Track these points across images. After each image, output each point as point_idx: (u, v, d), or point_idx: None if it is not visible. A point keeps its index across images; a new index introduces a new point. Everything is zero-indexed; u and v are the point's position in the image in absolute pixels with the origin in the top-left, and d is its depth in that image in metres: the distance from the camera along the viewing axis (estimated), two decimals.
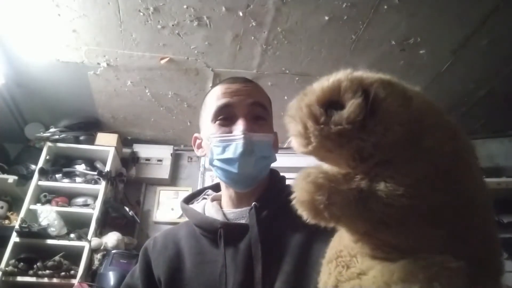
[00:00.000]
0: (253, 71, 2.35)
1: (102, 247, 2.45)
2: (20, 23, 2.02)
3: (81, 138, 2.78)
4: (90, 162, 2.78)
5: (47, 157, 2.69)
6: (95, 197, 2.64)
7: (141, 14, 1.93)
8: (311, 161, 0.36)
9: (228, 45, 2.15)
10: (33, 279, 2.29)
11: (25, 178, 2.66)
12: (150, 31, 2.04)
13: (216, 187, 0.90)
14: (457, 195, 0.33)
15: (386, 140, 0.31)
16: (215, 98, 0.78)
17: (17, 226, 2.38)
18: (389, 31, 2.01)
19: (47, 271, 2.29)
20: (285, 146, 0.41)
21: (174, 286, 0.74)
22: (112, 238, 2.47)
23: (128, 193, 2.93)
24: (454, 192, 0.32)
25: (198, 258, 0.75)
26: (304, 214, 0.34)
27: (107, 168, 2.70)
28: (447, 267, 0.31)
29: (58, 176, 2.65)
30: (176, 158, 3.18)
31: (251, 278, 0.67)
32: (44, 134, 2.72)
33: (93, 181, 2.67)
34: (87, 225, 2.52)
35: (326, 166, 0.36)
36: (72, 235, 2.45)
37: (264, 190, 0.79)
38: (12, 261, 2.30)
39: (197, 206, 0.84)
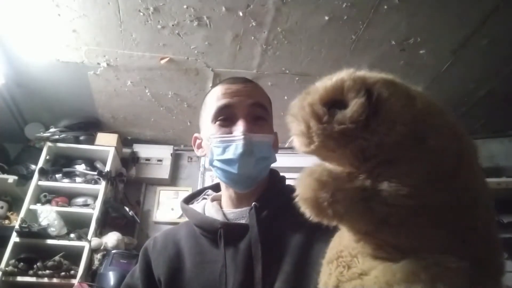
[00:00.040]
0: (253, 71, 2.35)
1: (102, 247, 2.45)
2: (20, 23, 2.02)
3: (81, 138, 2.78)
4: (90, 162, 2.78)
5: (47, 157, 2.69)
6: (95, 197, 2.64)
7: (141, 14, 1.93)
8: (311, 161, 0.36)
9: (228, 45, 2.15)
10: (33, 279, 2.29)
11: (25, 178, 2.66)
12: (150, 31, 2.04)
13: (216, 187, 0.90)
14: (460, 195, 0.33)
15: (390, 139, 0.31)
16: (215, 98, 0.78)
17: (17, 226, 2.38)
18: (389, 31, 2.01)
19: (47, 271, 2.29)
20: (286, 146, 0.41)
21: (174, 286, 0.74)
22: (112, 238, 2.47)
23: (128, 193, 2.93)
24: (457, 193, 0.32)
25: (198, 258, 0.75)
26: (307, 211, 0.33)
27: (107, 168, 2.70)
28: (450, 267, 0.31)
29: (58, 176, 2.65)
30: (176, 158, 3.18)
31: (251, 278, 0.67)
32: (44, 134, 2.72)
33: (93, 181, 2.67)
34: (87, 225, 2.52)
35: (329, 165, 0.36)
36: (72, 235, 2.45)
37: (264, 190, 0.79)
38: (12, 261, 2.30)
39: (197, 206, 0.84)
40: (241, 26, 2.00)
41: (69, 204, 2.61)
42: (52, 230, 2.39)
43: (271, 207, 0.74)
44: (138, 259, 0.84)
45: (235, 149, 0.73)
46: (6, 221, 2.58)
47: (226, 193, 0.81)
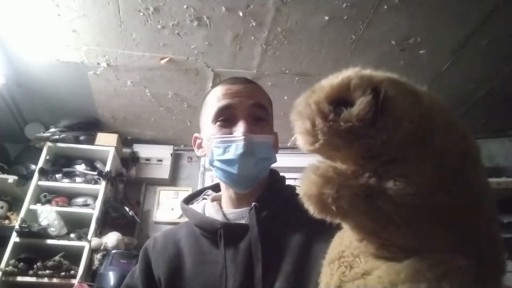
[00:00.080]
0: (253, 71, 2.35)
1: (102, 247, 2.44)
2: (20, 23, 2.02)
3: (81, 138, 2.78)
4: (90, 162, 2.77)
5: (47, 157, 2.69)
6: (95, 197, 2.64)
7: (141, 14, 1.93)
8: (312, 161, 0.36)
9: (228, 45, 2.15)
10: (33, 279, 2.29)
11: (25, 178, 2.66)
12: (150, 31, 2.04)
13: (216, 187, 0.90)
14: (465, 195, 0.33)
15: (396, 137, 0.31)
16: (215, 99, 0.78)
17: (17, 226, 2.38)
18: (389, 31, 2.01)
19: (47, 271, 2.29)
20: (288, 145, 0.41)
21: (174, 286, 0.74)
22: (112, 238, 2.47)
23: (128, 193, 2.93)
24: (461, 192, 0.32)
25: (198, 258, 0.75)
26: (310, 208, 0.33)
27: (107, 168, 2.70)
28: (455, 266, 0.31)
29: (58, 176, 2.65)
30: (176, 158, 3.18)
31: (251, 278, 0.67)
32: (44, 134, 2.72)
33: (93, 181, 2.67)
34: (87, 225, 2.51)
35: (333, 163, 0.35)
36: (72, 235, 2.45)
37: (264, 190, 0.79)
38: (12, 261, 2.30)
39: (197, 206, 0.84)
40: (241, 26, 2.00)
41: (69, 204, 2.61)
42: (52, 230, 2.39)
43: (271, 207, 0.74)
44: (138, 259, 0.84)
45: (236, 149, 0.73)
46: (6, 221, 2.57)
47: (226, 193, 0.81)
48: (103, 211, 2.62)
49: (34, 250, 2.38)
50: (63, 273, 2.32)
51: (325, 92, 0.32)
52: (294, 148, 0.34)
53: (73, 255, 2.39)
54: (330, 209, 0.32)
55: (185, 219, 0.87)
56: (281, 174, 0.86)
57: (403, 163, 0.31)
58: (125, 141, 3.09)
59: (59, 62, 2.29)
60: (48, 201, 2.56)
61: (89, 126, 2.87)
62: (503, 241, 0.38)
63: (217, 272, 0.70)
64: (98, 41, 2.13)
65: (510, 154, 2.72)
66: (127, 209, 2.71)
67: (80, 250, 2.41)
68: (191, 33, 2.06)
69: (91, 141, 2.80)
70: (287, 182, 0.85)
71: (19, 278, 2.28)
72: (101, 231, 2.61)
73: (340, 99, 0.32)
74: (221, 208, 0.82)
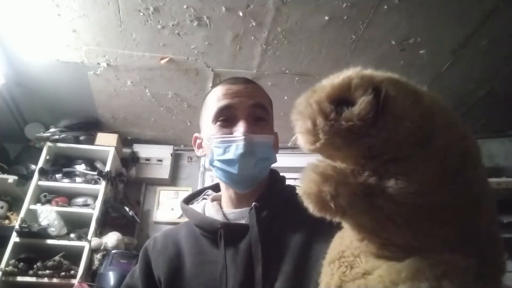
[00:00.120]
0: (253, 71, 2.35)
1: (102, 247, 2.44)
2: (20, 23, 2.02)
3: (81, 138, 2.78)
4: (90, 162, 2.77)
5: (47, 157, 2.69)
6: (95, 197, 2.64)
7: (141, 14, 1.93)
8: (311, 161, 0.36)
9: (228, 45, 2.15)
10: (33, 279, 2.29)
11: (25, 178, 2.66)
12: (150, 31, 2.04)
13: (216, 187, 0.90)
14: (465, 195, 0.33)
15: (398, 137, 0.31)
16: (215, 99, 0.78)
17: (17, 226, 2.38)
18: (389, 31, 2.01)
19: (47, 271, 2.29)
20: (289, 145, 0.41)
21: (174, 286, 0.74)
22: (112, 238, 2.47)
23: (128, 193, 2.93)
24: (463, 192, 0.32)
25: (198, 258, 0.75)
26: (310, 206, 0.33)
27: (107, 168, 2.70)
28: (456, 265, 0.31)
29: (58, 176, 2.65)
30: (176, 158, 3.18)
31: (251, 278, 0.67)
32: (44, 134, 2.72)
33: (93, 181, 2.67)
34: (87, 225, 2.51)
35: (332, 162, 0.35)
36: (72, 235, 2.45)
37: (264, 190, 0.79)
38: (12, 261, 2.30)
39: (197, 206, 0.84)
40: (241, 26, 2.00)
41: (69, 204, 2.61)
42: (52, 230, 2.39)
43: (271, 207, 0.74)
44: (138, 259, 0.84)
45: (236, 149, 0.73)
46: (6, 221, 2.58)
47: (226, 193, 0.81)
48: (103, 211, 2.62)
49: (34, 250, 2.38)
50: (63, 273, 2.32)
51: (326, 92, 0.32)
52: (294, 148, 0.35)
53: (73, 255, 2.40)
54: (329, 207, 0.32)
55: (185, 219, 0.87)
56: (281, 174, 0.86)
57: (404, 162, 0.31)
58: (125, 141, 3.09)
59: (59, 62, 2.29)
60: (48, 201, 2.56)
61: (89, 126, 2.87)
62: (503, 241, 0.38)
63: (217, 272, 0.70)
64: (98, 41, 2.13)
65: (510, 154, 2.72)
66: (127, 209, 2.71)
67: (80, 250, 2.41)
68: (191, 33, 2.06)
69: (91, 141, 2.80)
70: (287, 182, 0.85)
71: (19, 278, 2.28)
72: (101, 231, 2.61)
73: (341, 99, 0.32)
74: (221, 208, 0.82)
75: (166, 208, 2.97)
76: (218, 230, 0.73)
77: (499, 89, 2.46)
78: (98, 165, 2.73)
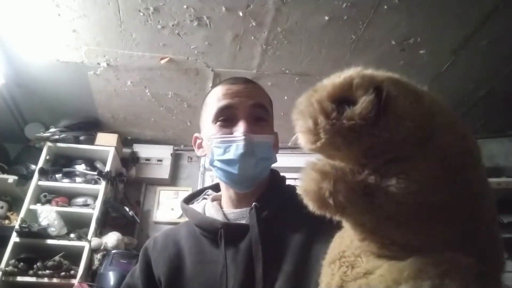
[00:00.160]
0: (253, 71, 2.35)
1: (102, 247, 2.45)
2: (20, 23, 2.02)
3: (81, 138, 2.78)
4: (90, 162, 2.77)
5: (47, 157, 2.69)
6: (95, 197, 2.64)
7: (141, 14, 1.93)
8: (311, 159, 0.36)
9: (228, 45, 2.15)
10: (33, 279, 2.29)
11: (25, 178, 2.66)
12: (150, 31, 2.04)
13: (216, 187, 0.90)
14: (465, 194, 0.33)
15: (399, 136, 0.31)
16: (216, 99, 0.78)
17: (17, 226, 2.37)
18: (389, 31, 2.01)
19: (47, 271, 2.29)
20: (289, 145, 0.41)
21: (174, 286, 0.74)
22: (112, 238, 2.47)
23: (128, 193, 2.93)
24: (463, 192, 0.33)
25: (198, 258, 0.75)
26: (309, 204, 0.33)
27: (107, 168, 2.70)
28: (458, 263, 0.31)
29: (58, 176, 2.65)
30: (176, 158, 3.18)
31: (251, 278, 0.67)
32: (44, 134, 2.72)
33: (93, 181, 2.67)
34: (87, 225, 2.51)
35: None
36: (72, 235, 2.45)
37: (265, 190, 0.79)
38: (12, 261, 2.30)
39: (197, 206, 0.84)
40: (241, 26, 2.00)
41: (69, 204, 2.61)
42: (52, 230, 2.39)
43: (271, 207, 0.74)
44: (138, 259, 0.84)
45: (236, 149, 0.73)
46: (6, 221, 2.58)
47: (226, 193, 0.81)
48: (103, 211, 2.62)
49: (34, 250, 2.38)
50: (63, 273, 2.32)
51: (327, 91, 0.32)
52: (294, 148, 0.35)
53: (73, 255, 2.40)
54: (328, 204, 0.32)
55: (185, 219, 0.87)
56: (281, 174, 0.86)
57: (404, 162, 0.31)
58: (125, 141, 3.09)
59: (59, 62, 2.29)
60: (48, 201, 2.56)
61: (89, 126, 2.87)
62: (503, 241, 0.38)
63: (217, 272, 0.70)
64: (98, 41, 2.13)
65: (510, 154, 2.73)
66: (127, 209, 2.71)
67: (80, 250, 2.41)
68: (191, 33, 2.06)
69: (91, 141, 2.80)
70: (287, 182, 0.85)
71: (19, 278, 2.28)
72: (101, 231, 2.61)
73: (342, 98, 0.32)
74: (222, 208, 0.82)
75: (166, 208, 2.97)
76: (218, 230, 0.73)
77: (499, 89, 2.46)
78: (98, 165, 2.73)
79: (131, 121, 2.93)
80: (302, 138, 0.34)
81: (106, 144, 2.80)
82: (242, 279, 0.68)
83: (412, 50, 2.14)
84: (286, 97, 2.46)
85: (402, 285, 0.31)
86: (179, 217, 2.84)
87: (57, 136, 2.72)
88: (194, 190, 0.99)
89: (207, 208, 0.82)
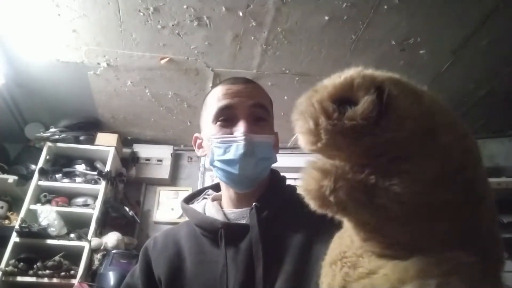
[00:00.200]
0: (253, 71, 2.35)
1: (102, 247, 2.45)
2: (20, 23, 2.02)
3: (81, 138, 2.78)
4: (90, 162, 2.78)
5: (47, 157, 2.69)
6: (95, 197, 2.64)
7: (141, 14, 1.93)
8: (310, 159, 0.36)
9: (228, 45, 2.15)
10: (33, 279, 2.29)
11: (25, 178, 2.66)
12: (150, 31, 2.04)
13: (216, 187, 0.90)
14: (466, 194, 0.33)
15: (401, 135, 0.31)
16: (216, 99, 0.78)
17: (17, 226, 2.38)
18: (389, 31, 2.01)
19: (47, 271, 2.29)
20: (289, 145, 0.41)
21: (174, 286, 0.74)
22: (112, 238, 2.47)
23: (128, 193, 2.93)
24: (464, 191, 0.33)
25: (199, 257, 0.75)
26: (311, 203, 0.33)
27: (107, 168, 2.70)
28: (464, 261, 0.31)
29: (58, 176, 2.65)
30: (176, 158, 3.18)
31: (252, 278, 0.67)
32: (44, 134, 2.72)
33: (93, 181, 2.67)
34: (87, 225, 2.52)
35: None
36: (72, 235, 2.45)
37: (265, 190, 0.79)
38: (12, 261, 2.30)
39: (197, 206, 0.84)
40: (241, 26, 2.00)
41: (69, 204, 2.61)
42: (52, 230, 2.39)
43: (271, 207, 0.74)
44: (138, 259, 0.84)
45: (236, 149, 0.73)
46: (6, 221, 2.58)
47: (226, 193, 0.81)
48: (103, 211, 2.62)
49: (34, 250, 2.38)
50: (63, 273, 2.32)
51: (328, 91, 0.32)
52: (294, 148, 0.34)
53: (73, 255, 2.40)
54: (330, 202, 0.32)
55: (185, 219, 0.87)
56: (282, 174, 0.86)
57: (406, 161, 0.31)
58: (125, 141, 3.09)
59: (59, 62, 2.29)
60: (48, 201, 2.56)
61: (89, 126, 2.87)
62: (503, 241, 0.38)
63: (217, 272, 0.70)
64: (98, 41, 2.13)
65: (510, 154, 2.72)
66: (127, 209, 2.71)
67: (80, 250, 2.41)
68: (191, 33, 2.06)
69: (91, 141, 2.80)
70: (288, 182, 0.85)
71: (19, 278, 2.29)
72: (101, 231, 2.61)
73: (343, 98, 0.32)
74: (222, 208, 0.82)
75: (166, 208, 2.97)
76: (218, 230, 0.73)
77: (499, 89, 2.46)
78: (98, 165, 2.73)
79: (131, 121, 2.94)
80: (302, 139, 0.34)
81: (106, 144, 2.80)
82: (243, 279, 0.68)
83: (412, 50, 2.14)
84: (286, 97, 2.46)
85: (407, 284, 0.31)
86: (179, 217, 2.84)
87: (57, 136, 2.72)
88: (194, 190, 0.98)
89: (207, 208, 0.82)
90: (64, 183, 2.63)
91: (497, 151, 2.73)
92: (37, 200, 2.57)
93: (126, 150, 3.05)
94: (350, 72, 0.33)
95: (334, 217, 0.35)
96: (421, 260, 0.32)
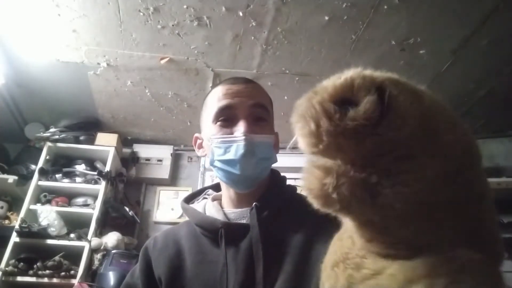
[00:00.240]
0: (253, 71, 2.35)
1: (102, 247, 2.45)
2: (20, 23, 2.02)
3: (81, 138, 2.78)
4: (90, 162, 2.78)
5: (47, 157, 2.69)
6: (95, 197, 2.64)
7: (141, 14, 1.93)
8: (310, 159, 0.36)
9: (228, 45, 2.15)
10: (33, 279, 2.29)
11: (25, 178, 2.66)
12: (150, 31, 2.04)
13: (216, 187, 0.90)
14: (466, 194, 0.33)
15: (402, 134, 0.31)
16: (216, 99, 0.78)
17: (17, 226, 2.38)
18: (389, 31, 2.01)
19: (47, 271, 2.29)
20: (289, 147, 0.41)
21: (175, 286, 0.74)
22: (112, 238, 2.47)
23: (128, 193, 2.93)
24: (464, 191, 0.33)
25: (199, 257, 0.75)
26: (313, 202, 0.33)
27: (107, 168, 2.70)
28: (471, 259, 0.31)
29: (58, 176, 2.65)
30: (176, 158, 3.18)
31: (252, 278, 0.67)
32: (44, 134, 2.72)
33: (93, 181, 2.67)
34: (87, 225, 2.52)
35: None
36: (72, 235, 2.45)
37: (265, 190, 0.79)
38: (12, 261, 2.30)
39: (197, 205, 0.84)
40: (241, 26, 2.00)
41: (69, 204, 2.61)
42: (52, 230, 2.39)
43: (272, 207, 0.74)
44: (138, 259, 0.84)
45: (236, 149, 0.73)
46: (6, 221, 2.58)
47: (226, 193, 0.81)
48: (103, 211, 2.62)
49: (34, 250, 2.38)
50: (63, 273, 2.32)
51: (328, 93, 0.32)
52: (294, 148, 0.34)
53: (73, 255, 2.40)
54: (333, 200, 0.32)
55: (185, 219, 0.87)
56: (282, 174, 0.86)
57: (406, 161, 0.31)
58: (125, 141, 3.09)
59: (59, 62, 2.29)
60: (48, 201, 2.56)
61: (89, 126, 2.87)
62: (503, 240, 0.38)
63: (217, 272, 0.71)
64: (98, 41, 2.13)
65: (510, 154, 2.72)
66: (127, 209, 2.71)
67: (80, 250, 2.41)
68: (191, 33, 2.06)
69: (91, 141, 2.80)
70: (288, 182, 0.85)
71: (19, 278, 2.29)
72: (101, 231, 2.61)
73: (344, 99, 0.32)
74: (222, 207, 0.82)
75: (166, 208, 2.97)
76: (219, 230, 0.73)
77: (499, 89, 2.46)
78: (98, 165, 2.73)
79: (131, 121, 2.94)
80: (303, 142, 0.33)
81: (106, 144, 2.80)
82: (243, 279, 0.68)
83: (412, 50, 2.14)
84: (286, 97, 2.46)
85: (416, 283, 0.31)
86: (179, 217, 2.84)
87: (57, 136, 2.72)
88: (194, 190, 0.99)
89: (207, 207, 0.82)
90: (64, 183, 2.63)
91: (497, 151, 2.73)
92: (37, 200, 2.57)
93: (126, 150, 3.05)
94: (350, 73, 0.33)
95: (336, 217, 0.35)
96: (429, 259, 0.31)
